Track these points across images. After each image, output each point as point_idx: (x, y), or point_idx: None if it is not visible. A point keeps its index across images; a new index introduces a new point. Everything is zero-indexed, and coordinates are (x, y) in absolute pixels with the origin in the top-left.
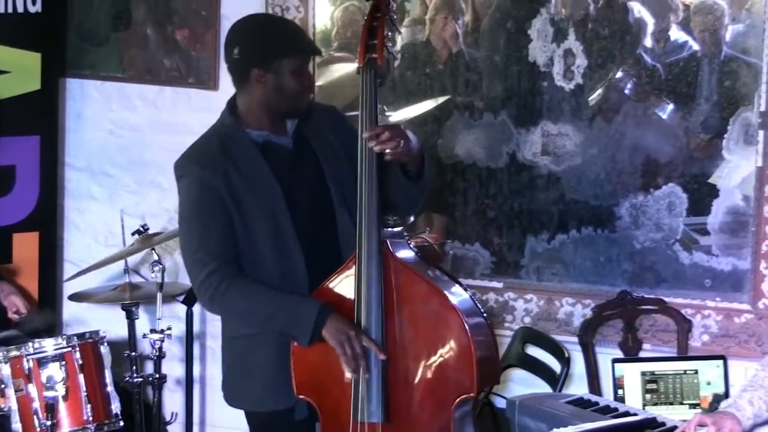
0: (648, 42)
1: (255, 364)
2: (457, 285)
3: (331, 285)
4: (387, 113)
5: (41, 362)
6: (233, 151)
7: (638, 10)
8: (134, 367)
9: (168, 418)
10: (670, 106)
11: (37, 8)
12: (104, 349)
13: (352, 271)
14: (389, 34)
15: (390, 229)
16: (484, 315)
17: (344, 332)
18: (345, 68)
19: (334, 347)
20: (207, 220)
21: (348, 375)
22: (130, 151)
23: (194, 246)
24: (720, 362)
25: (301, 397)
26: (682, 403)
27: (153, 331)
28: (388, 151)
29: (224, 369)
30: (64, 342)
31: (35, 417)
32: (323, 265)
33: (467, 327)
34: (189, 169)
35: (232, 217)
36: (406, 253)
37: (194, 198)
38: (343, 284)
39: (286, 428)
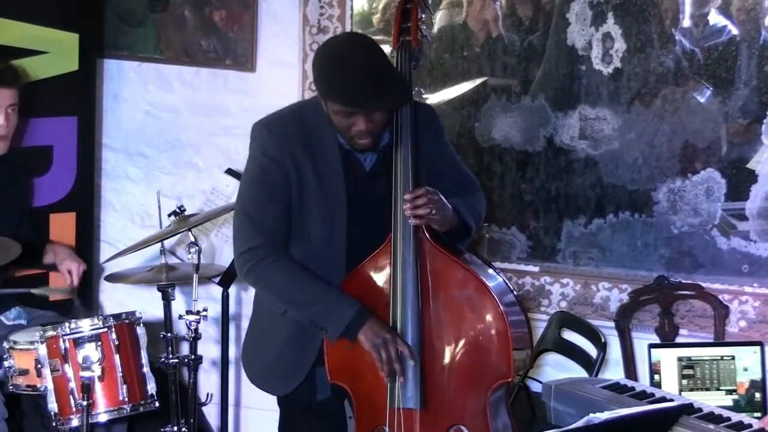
0: (687, 26)
1: (266, 342)
2: (491, 269)
3: (365, 269)
4: (424, 95)
5: (77, 342)
6: (315, 141)
7: None
8: (170, 348)
9: (203, 399)
10: (709, 91)
11: None
12: (140, 330)
13: (387, 256)
14: (423, 16)
15: None
16: (519, 300)
17: (380, 336)
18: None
19: (369, 351)
20: (268, 193)
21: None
22: (167, 132)
23: (250, 214)
24: (757, 348)
25: (336, 382)
26: (718, 389)
27: (189, 312)
28: (420, 213)
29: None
30: (101, 322)
31: (71, 397)
32: None
33: (504, 312)
34: (263, 137)
35: (292, 199)
36: (441, 237)
37: (260, 167)
38: (378, 268)
39: (311, 408)
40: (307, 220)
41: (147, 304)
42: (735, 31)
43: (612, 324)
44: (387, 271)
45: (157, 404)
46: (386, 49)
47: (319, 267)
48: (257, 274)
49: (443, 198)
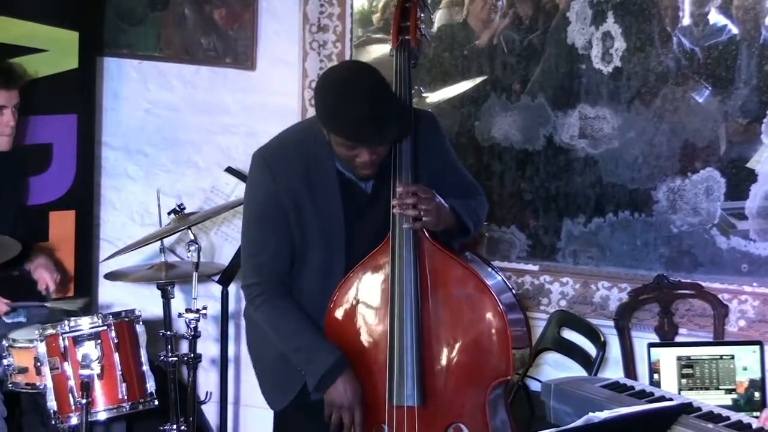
0: (686, 25)
1: (265, 355)
2: (490, 268)
3: (364, 267)
4: (424, 94)
5: (77, 340)
6: (313, 172)
7: None
8: (169, 347)
9: (202, 397)
10: (708, 90)
11: None
12: (140, 328)
13: (386, 254)
14: (422, 15)
15: None
16: (518, 299)
17: (340, 403)
18: (383, 49)
19: (326, 407)
20: (266, 230)
21: None
22: (167, 131)
23: (249, 251)
24: (757, 348)
25: None
26: (718, 389)
27: (188, 310)
28: (409, 213)
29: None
30: (100, 321)
31: (70, 395)
32: None
33: (503, 311)
34: (262, 172)
35: (292, 232)
36: (439, 235)
37: (258, 204)
38: (377, 267)
39: (308, 407)
40: (307, 250)
41: (146, 302)
42: (735, 30)
43: (611, 323)
44: (386, 269)
45: (156, 402)
46: (385, 48)
47: (318, 296)
48: (252, 309)
49: (440, 198)
